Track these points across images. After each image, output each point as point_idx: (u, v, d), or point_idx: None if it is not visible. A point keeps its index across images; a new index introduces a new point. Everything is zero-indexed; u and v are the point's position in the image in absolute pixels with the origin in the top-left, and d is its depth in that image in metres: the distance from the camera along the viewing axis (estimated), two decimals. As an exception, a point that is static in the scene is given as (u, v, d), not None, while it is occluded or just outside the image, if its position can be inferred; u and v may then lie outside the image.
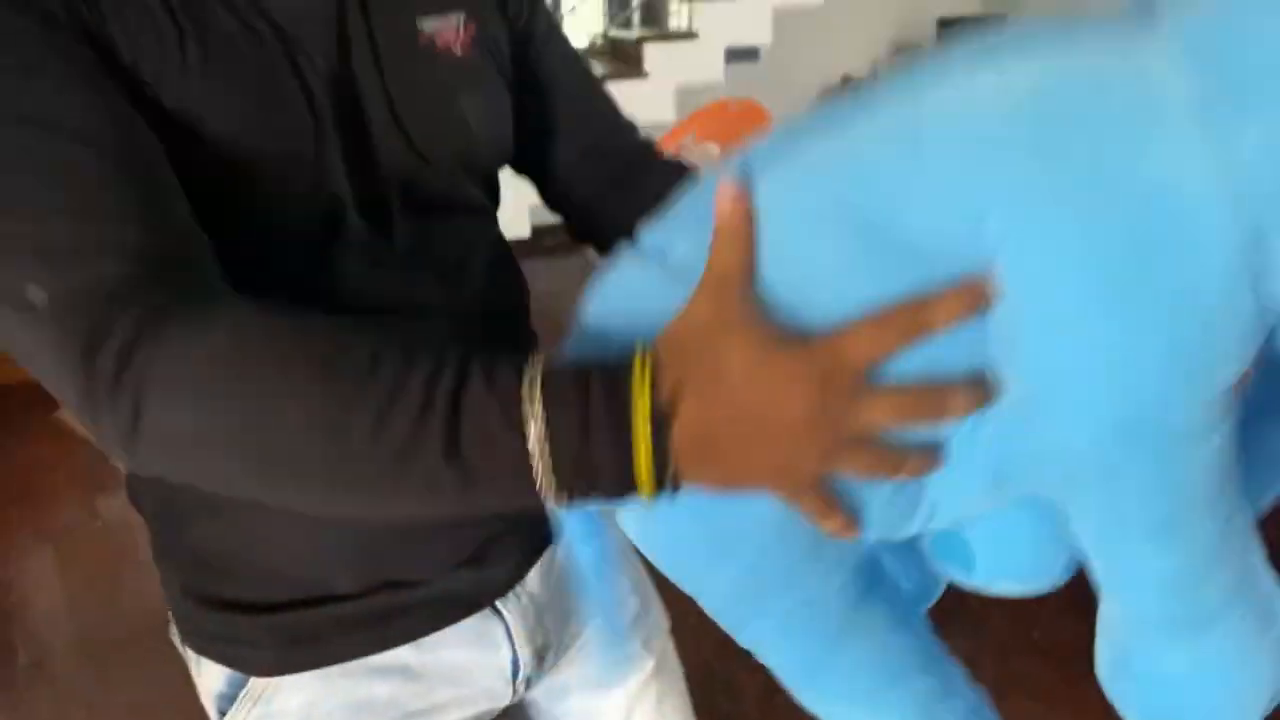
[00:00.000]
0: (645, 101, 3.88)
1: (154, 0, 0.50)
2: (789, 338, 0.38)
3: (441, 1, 0.61)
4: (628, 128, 0.76)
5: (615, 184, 0.71)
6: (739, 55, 4.70)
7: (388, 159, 0.56)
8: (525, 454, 0.39)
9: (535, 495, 0.40)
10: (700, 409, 0.38)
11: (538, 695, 0.77)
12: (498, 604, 0.68)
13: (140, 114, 0.49)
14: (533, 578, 0.70)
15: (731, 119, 4.07)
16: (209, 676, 0.67)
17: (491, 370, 0.40)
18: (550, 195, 0.74)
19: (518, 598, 0.69)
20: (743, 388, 0.37)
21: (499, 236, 0.67)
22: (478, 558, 0.65)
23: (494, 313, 0.62)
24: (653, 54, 4.00)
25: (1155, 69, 0.34)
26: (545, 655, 0.73)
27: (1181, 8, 0.35)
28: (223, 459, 0.43)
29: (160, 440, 0.43)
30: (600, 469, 0.39)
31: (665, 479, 0.39)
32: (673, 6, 4.31)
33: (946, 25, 5.18)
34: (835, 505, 0.40)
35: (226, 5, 0.52)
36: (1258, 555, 0.45)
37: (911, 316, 0.37)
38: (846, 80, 5.37)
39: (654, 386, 0.38)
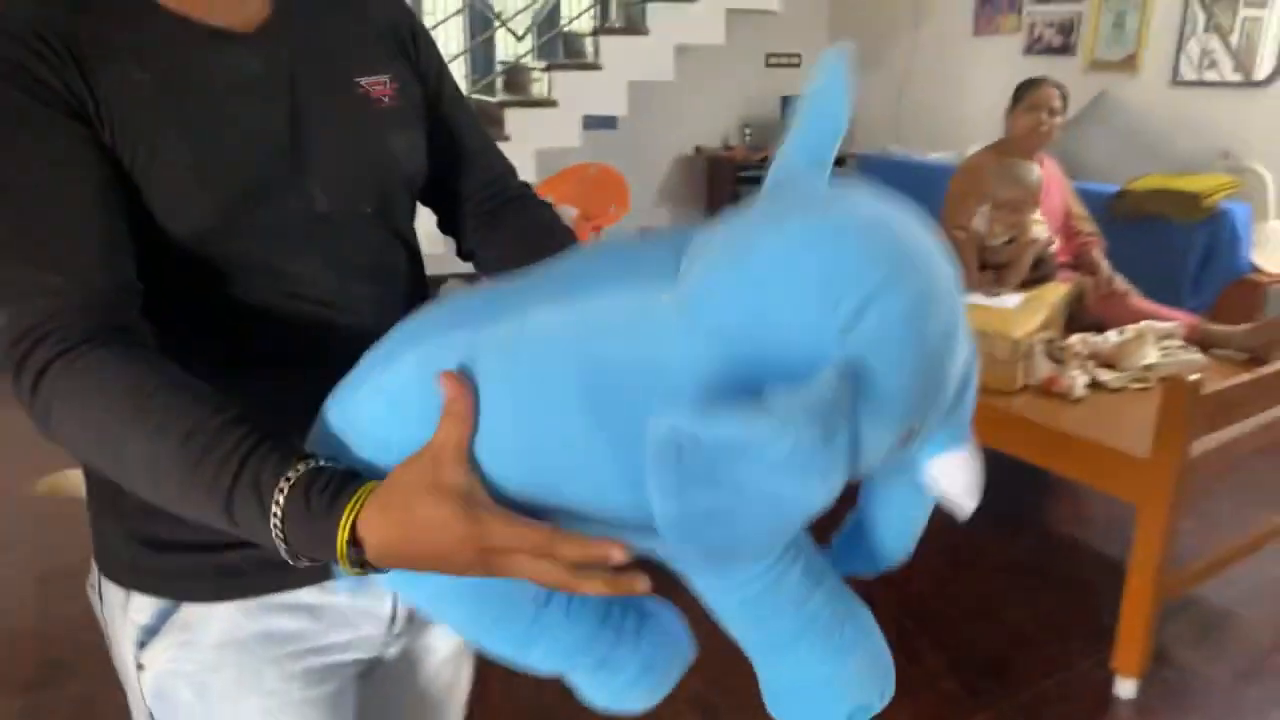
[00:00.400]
0: (506, 163, 4.01)
1: (141, 91, 0.65)
2: (469, 506, 0.54)
3: (370, 65, 0.77)
4: (510, 171, 0.92)
5: (494, 216, 0.89)
6: (597, 123, 4.92)
7: (313, 200, 0.73)
8: (271, 534, 0.57)
9: (285, 555, 0.58)
10: (385, 539, 0.55)
11: (404, 652, 0.89)
12: None
13: (113, 171, 0.64)
14: None
15: (590, 181, 4.26)
16: (136, 611, 0.76)
17: (261, 468, 0.57)
18: (444, 221, 0.90)
19: None
20: (419, 534, 0.54)
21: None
22: None
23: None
24: (514, 118, 4.15)
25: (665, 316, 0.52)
26: (414, 614, 0.85)
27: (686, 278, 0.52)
28: (96, 462, 0.63)
29: (60, 438, 0.62)
30: (317, 555, 0.58)
31: (363, 568, 0.57)
32: (534, 74, 4.48)
33: (788, 101, 5.58)
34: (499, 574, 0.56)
35: (184, 87, 0.68)
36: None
37: (550, 546, 0.53)
38: (698, 150, 5.69)
39: (355, 520, 0.55)
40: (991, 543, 2.58)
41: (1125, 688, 1.91)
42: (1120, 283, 2.63)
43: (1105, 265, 2.73)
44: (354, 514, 0.55)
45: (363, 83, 0.76)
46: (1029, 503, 2.79)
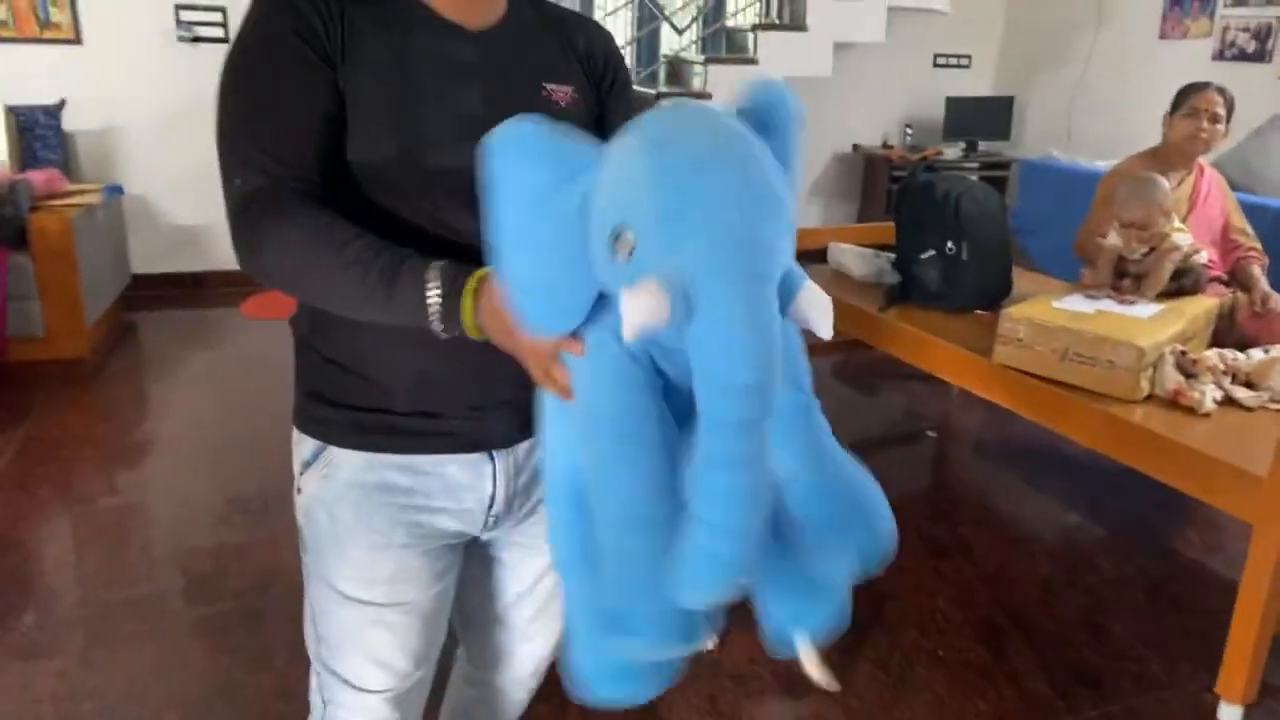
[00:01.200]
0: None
1: (381, 55, 0.91)
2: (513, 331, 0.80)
3: (560, 76, 1.00)
4: None
5: None
6: (753, 117, 4.98)
7: None
8: (424, 305, 0.82)
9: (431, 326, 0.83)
10: (488, 327, 0.82)
11: (493, 537, 1.11)
12: (493, 452, 1.02)
13: (340, 110, 0.89)
14: (521, 449, 1.04)
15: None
16: (302, 446, 1.03)
17: (423, 270, 0.82)
18: None
19: (507, 455, 1.03)
20: (502, 339, 0.82)
21: None
22: (479, 409, 0.99)
23: None
24: (669, 109, 4.29)
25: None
26: (512, 504, 1.06)
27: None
28: (291, 288, 0.90)
29: (262, 272, 0.88)
30: (449, 327, 0.83)
31: (477, 332, 0.82)
32: (695, 68, 4.61)
33: (953, 103, 5.45)
34: (553, 387, 0.80)
35: (420, 57, 0.92)
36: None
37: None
38: (856, 148, 5.65)
39: (474, 304, 0.82)
40: (1103, 555, 2.51)
41: (1229, 714, 1.85)
42: (1277, 301, 2.48)
43: (1263, 282, 2.58)
44: (471, 296, 0.81)
45: (548, 87, 0.99)
46: (1148, 517, 2.68)
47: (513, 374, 0.85)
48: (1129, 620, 2.19)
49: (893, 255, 3.01)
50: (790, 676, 1.90)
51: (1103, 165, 4.12)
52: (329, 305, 0.89)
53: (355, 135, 0.89)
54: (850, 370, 3.84)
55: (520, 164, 0.75)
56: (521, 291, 0.77)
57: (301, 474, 1.03)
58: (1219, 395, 2.09)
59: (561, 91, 0.99)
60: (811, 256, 3.36)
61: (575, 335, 0.77)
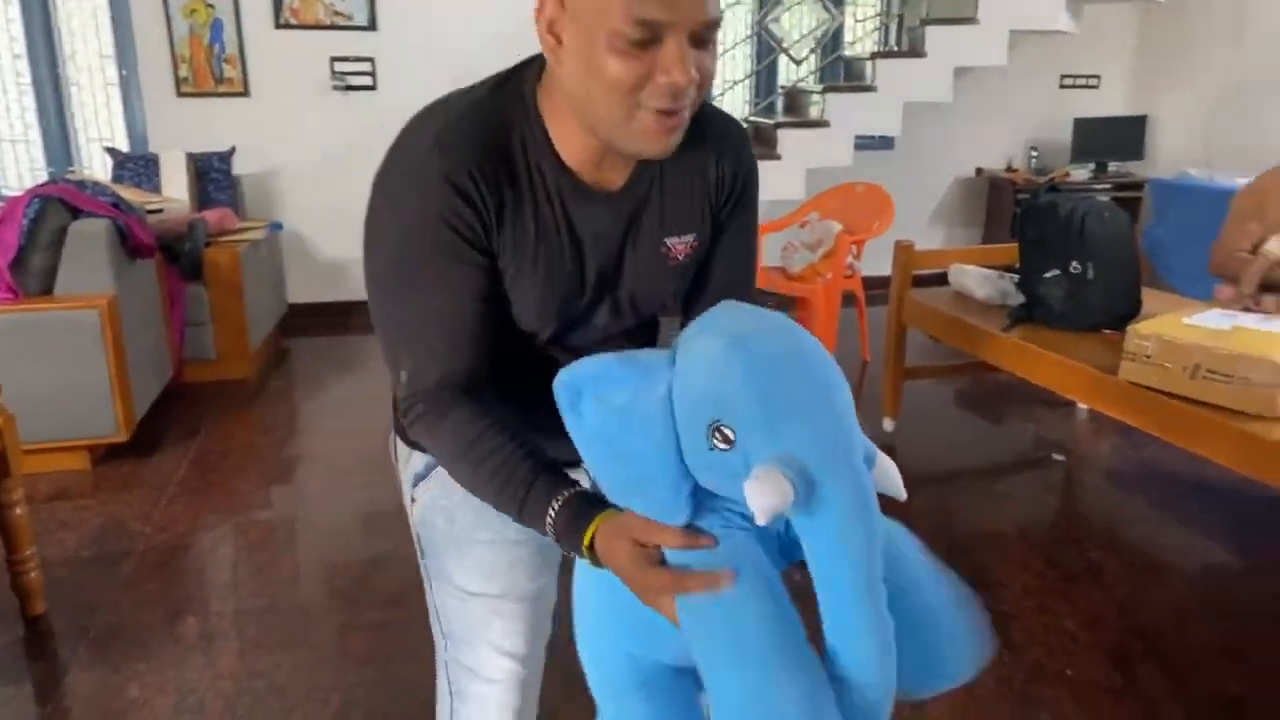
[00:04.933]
0: (778, 179, 4.26)
1: (529, 228, 0.94)
2: (640, 559, 0.83)
3: (682, 227, 1.02)
4: (750, 291, 1.12)
5: None
6: (873, 143, 5.02)
7: (612, 314, 1.04)
8: (551, 537, 0.90)
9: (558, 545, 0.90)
10: (603, 550, 0.86)
11: None
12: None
13: (493, 287, 0.94)
14: None
15: (856, 197, 4.38)
16: (413, 461, 1.12)
17: (542, 491, 0.90)
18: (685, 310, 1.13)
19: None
20: (617, 555, 0.84)
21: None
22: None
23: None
24: (787, 137, 4.38)
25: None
26: None
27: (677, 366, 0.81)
28: (451, 474, 0.98)
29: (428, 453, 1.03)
30: (573, 550, 0.89)
31: (593, 560, 0.87)
32: (813, 97, 4.69)
33: (1081, 124, 5.32)
34: (655, 601, 0.83)
35: (557, 229, 0.95)
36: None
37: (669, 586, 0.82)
38: (979, 171, 5.58)
39: (593, 539, 0.86)
40: (1243, 583, 2.41)
41: (1381, 745, 1.76)
42: None
43: None
44: (592, 532, 0.86)
45: (669, 243, 1.02)
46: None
47: None
48: (1271, 649, 2.10)
49: (1016, 276, 2.99)
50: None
51: (1241, 182, 3.96)
52: (476, 496, 0.97)
53: (514, 311, 0.97)
54: (974, 396, 3.79)
55: (599, 388, 0.81)
56: (626, 495, 0.85)
57: (415, 485, 1.12)
58: (1367, 413, 2.01)
59: (681, 244, 1.02)
60: (932, 280, 3.37)
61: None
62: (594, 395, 0.81)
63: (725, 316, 0.82)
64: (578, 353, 0.92)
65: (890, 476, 0.86)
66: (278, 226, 4.54)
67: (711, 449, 0.76)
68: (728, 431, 0.75)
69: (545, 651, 1.20)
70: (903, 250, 3.28)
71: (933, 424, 3.49)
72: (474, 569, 1.11)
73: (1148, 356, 2.21)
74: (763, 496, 0.72)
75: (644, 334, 1.12)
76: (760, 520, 0.73)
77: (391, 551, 2.47)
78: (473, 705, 1.16)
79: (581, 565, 0.92)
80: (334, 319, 4.77)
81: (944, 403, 3.73)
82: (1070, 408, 3.56)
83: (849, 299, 4.10)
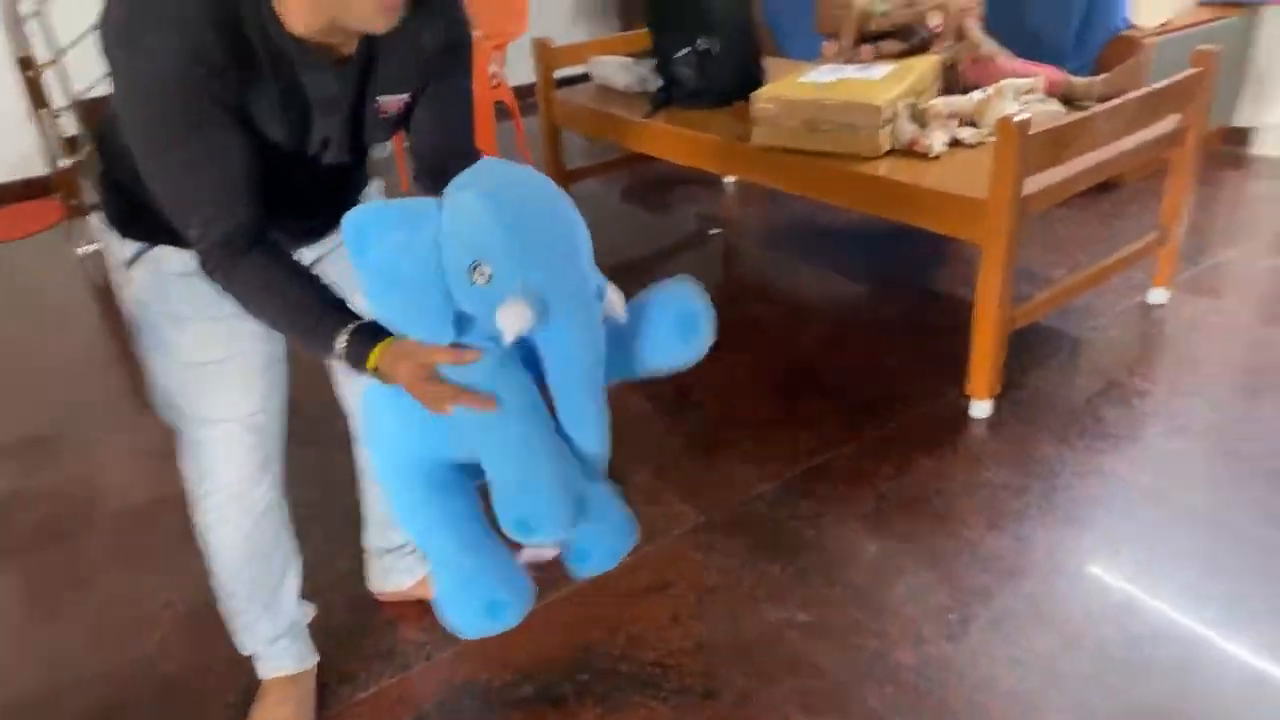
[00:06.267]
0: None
1: (269, 88, 1.05)
2: (418, 360, 1.01)
3: (396, 87, 1.17)
4: (467, 154, 1.22)
5: (439, 171, 1.18)
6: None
7: (336, 156, 1.20)
8: (340, 361, 1.07)
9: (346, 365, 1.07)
10: (387, 370, 1.04)
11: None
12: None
13: (245, 136, 1.05)
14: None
15: (486, 1, 4.16)
16: (123, 248, 1.23)
17: (337, 329, 1.06)
18: (412, 152, 1.30)
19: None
20: (400, 373, 1.03)
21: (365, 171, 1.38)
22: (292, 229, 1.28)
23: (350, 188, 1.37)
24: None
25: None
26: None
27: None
28: (253, 316, 1.11)
29: (230, 299, 1.10)
30: (360, 371, 1.06)
31: (378, 378, 1.05)
32: None
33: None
34: (439, 407, 1.03)
35: (286, 95, 1.08)
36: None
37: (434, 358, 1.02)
38: (608, -38, 5.50)
39: (378, 358, 1.04)
40: (877, 303, 2.79)
41: (979, 409, 2.16)
42: (990, 46, 2.72)
43: (975, 32, 2.80)
44: (377, 355, 1.03)
45: (382, 101, 1.17)
46: (908, 267, 2.99)
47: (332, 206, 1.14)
48: (898, 356, 2.47)
49: (653, 61, 3.04)
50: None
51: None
52: (273, 329, 1.14)
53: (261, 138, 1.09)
54: (637, 189, 3.92)
55: (380, 231, 0.98)
56: (400, 323, 1.02)
57: (128, 268, 1.23)
58: (947, 139, 2.31)
59: (393, 102, 1.18)
60: (584, 79, 3.34)
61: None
62: (376, 236, 0.98)
63: (484, 174, 0.99)
64: (313, 176, 1.19)
65: (615, 302, 1.05)
66: None
67: (473, 284, 0.94)
68: (486, 270, 0.93)
69: (287, 407, 1.37)
70: (541, 48, 3.20)
71: (601, 221, 3.56)
72: (191, 342, 1.25)
73: (772, 118, 2.37)
74: (509, 321, 0.92)
75: (359, 162, 1.29)
76: (508, 339, 0.93)
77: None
78: (205, 436, 1.30)
79: (372, 386, 1.08)
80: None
81: (610, 200, 3.82)
82: (719, 183, 3.80)
83: (505, 112, 3.99)
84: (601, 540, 1.16)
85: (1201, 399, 2.20)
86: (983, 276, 2.03)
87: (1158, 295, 2.59)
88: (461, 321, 1.00)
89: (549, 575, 1.14)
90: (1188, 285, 2.68)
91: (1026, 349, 2.36)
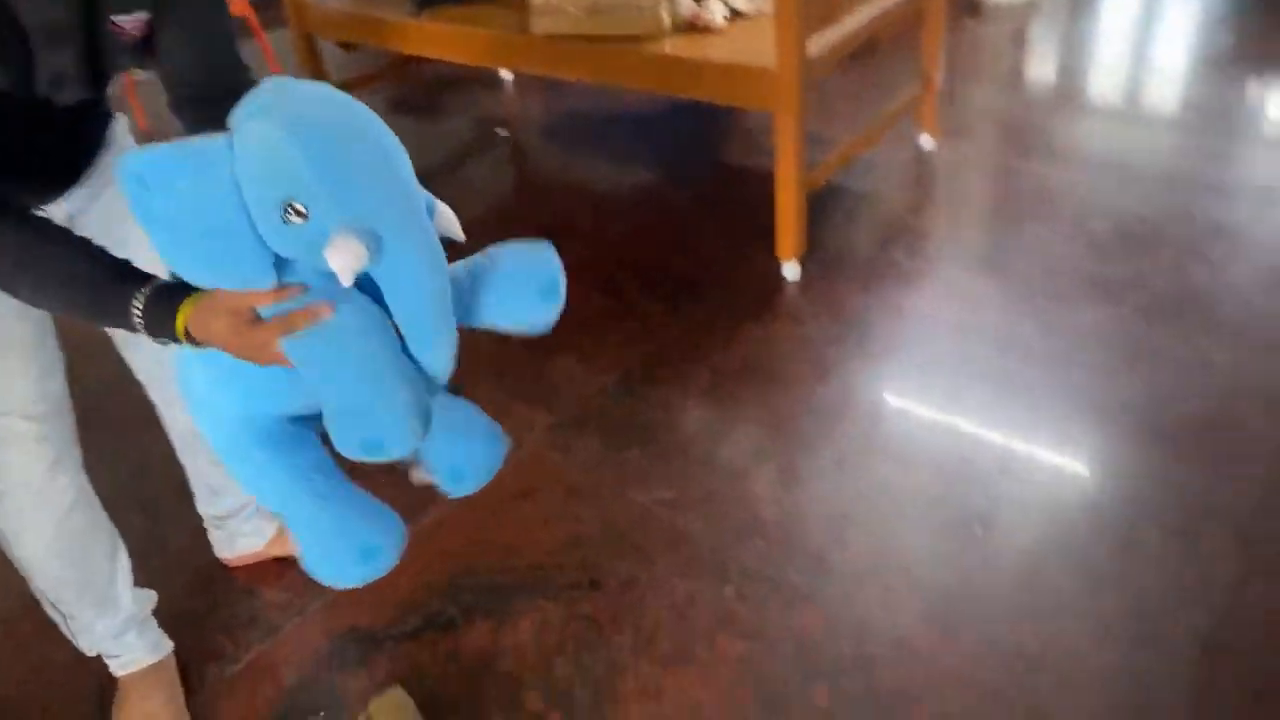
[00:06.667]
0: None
1: None
2: (233, 307, 0.88)
3: (128, 6, 1.01)
4: (235, 83, 1.03)
5: (209, 98, 1.04)
6: None
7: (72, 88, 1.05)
8: (143, 332, 0.92)
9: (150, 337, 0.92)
10: (200, 331, 0.90)
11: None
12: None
13: None
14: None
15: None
16: None
17: (129, 296, 0.91)
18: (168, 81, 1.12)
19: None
20: (217, 330, 0.89)
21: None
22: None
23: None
24: None
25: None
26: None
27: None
28: (24, 300, 0.96)
29: None
30: (168, 338, 0.92)
31: (190, 343, 0.91)
32: None
33: None
34: (266, 355, 0.89)
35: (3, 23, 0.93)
36: None
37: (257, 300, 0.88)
38: None
39: (188, 317, 0.90)
40: (677, 185, 2.84)
41: (790, 270, 2.27)
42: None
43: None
44: (184, 317, 0.89)
45: (117, 21, 1.01)
46: (702, 145, 3.05)
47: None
48: (706, 233, 2.54)
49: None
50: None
51: None
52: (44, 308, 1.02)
53: None
54: (409, 97, 3.71)
55: (165, 178, 0.84)
56: (208, 277, 0.89)
57: None
58: (727, 12, 2.33)
59: (131, 21, 1.02)
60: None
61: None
62: (160, 184, 0.85)
63: (276, 98, 0.86)
64: (47, 121, 1.06)
65: (448, 219, 0.98)
66: None
67: (287, 224, 0.83)
68: (300, 207, 0.82)
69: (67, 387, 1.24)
70: (278, -49, 2.90)
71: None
72: None
73: (552, 7, 2.29)
74: (342, 260, 0.82)
75: (99, 98, 1.16)
76: (345, 281, 0.83)
77: None
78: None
79: (178, 352, 0.96)
80: None
81: (380, 112, 3.58)
82: (499, 80, 3.67)
83: (245, 30, 3.61)
84: (474, 455, 1.13)
85: (977, 231, 2.42)
86: (780, 143, 2.10)
87: (927, 142, 2.79)
88: (280, 266, 0.89)
89: (410, 503, 1.09)
90: (951, 129, 2.90)
91: (821, 210, 2.48)
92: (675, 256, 2.44)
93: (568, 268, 1.03)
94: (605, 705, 1.35)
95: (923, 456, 1.73)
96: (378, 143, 0.88)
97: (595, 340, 2.14)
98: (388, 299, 0.90)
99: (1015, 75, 3.39)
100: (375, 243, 0.85)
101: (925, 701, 1.32)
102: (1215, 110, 2.99)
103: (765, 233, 2.28)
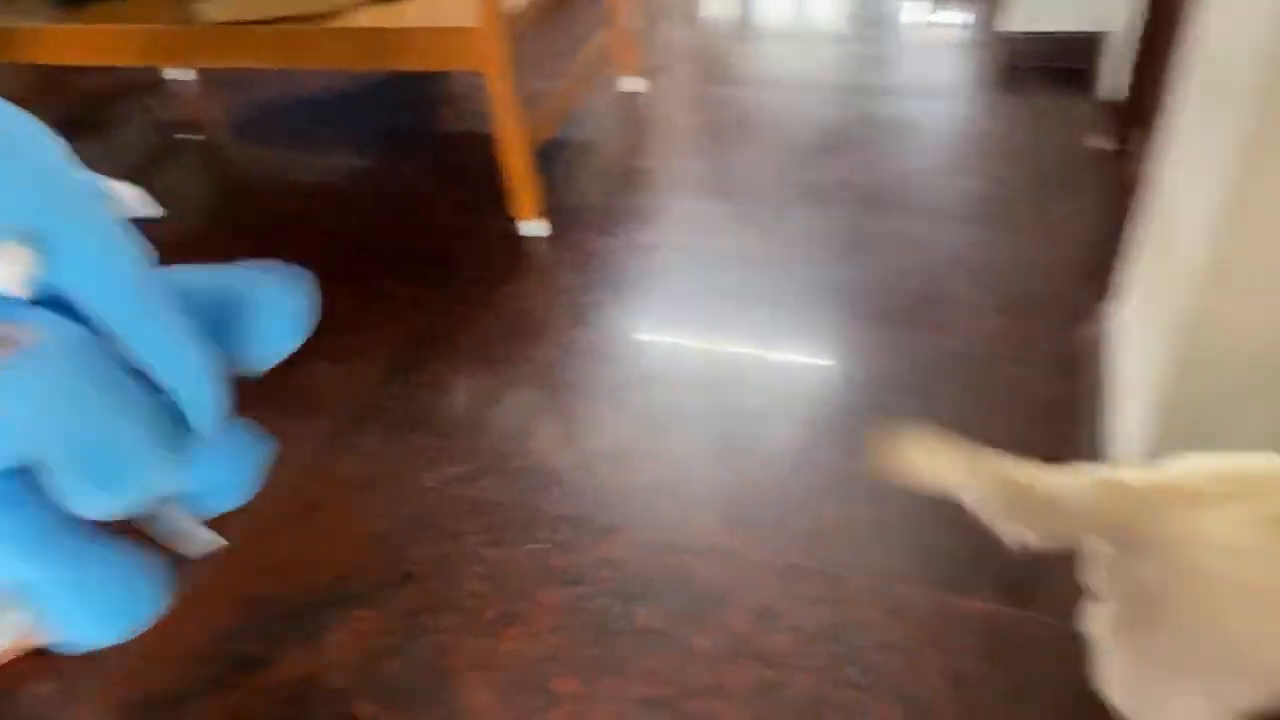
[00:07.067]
0: None
1: None
2: None
3: None
4: None
5: None
6: None
7: None
8: None
9: None
10: None
11: None
12: None
13: None
14: None
15: None
16: None
17: None
18: None
19: None
20: None
21: None
22: None
23: None
24: None
25: None
26: None
27: None
28: None
29: None
30: None
31: None
32: None
33: None
34: None
35: None
36: None
37: None
38: None
39: None
40: (398, 163, 2.75)
41: (532, 228, 2.29)
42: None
43: None
44: None
45: None
46: (414, 115, 2.97)
47: None
48: (441, 205, 2.49)
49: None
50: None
51: None
52: None
53: None
54: (64, 115, 3.29)
55: None
56: None
57: None
58: (409, -24, 2.26)
59: None
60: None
61: None
62: None
63: None
64: None
65: (132, 195, 0.91)
66: None
67: None
68: None
69: None
70: None
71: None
72: None
73: (217, -10, 2.12)
74: (8, 271, 0.74)
75: None
76: (18, 292, 0.75)
77: None
78: None
79: None
80: None
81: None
82: (163, 82, 3.35)
83: None
84: (232, 466, 1.06)
85: (694, 160, 2.56)
86: (497, 104, 2.09)
87: (632, 83, 2.89)
88: None
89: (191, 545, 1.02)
90: (653, 70, 3.01)
91: (549, 165, 2.51)
92: (414, 235, 2.38)
93: (311, 268, 1.02)
94: (445, 686, 1.34)
95: (686, 376, 1.83)
96: (21, 134, 0.80)
97: (356, 335, 2.05)
98: (87, 309, 0.83)
99: (702, 12, 3.57)
100: (42, 244, 0.77)
101: (741, 593, 1.42)
102: (871, 19, 3.33)
103: (499, 196, 2.28)
